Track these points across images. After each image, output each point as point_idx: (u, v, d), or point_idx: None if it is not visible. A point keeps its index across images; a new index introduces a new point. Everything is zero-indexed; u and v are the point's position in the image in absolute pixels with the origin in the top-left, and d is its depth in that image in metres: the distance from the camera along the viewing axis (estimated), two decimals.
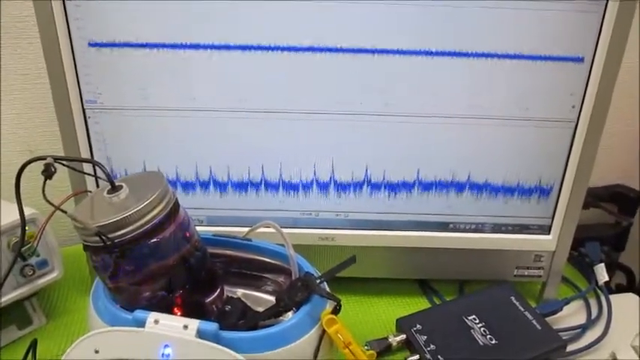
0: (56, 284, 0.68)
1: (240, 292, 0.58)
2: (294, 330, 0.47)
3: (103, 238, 0.43)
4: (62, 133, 0.60)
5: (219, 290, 0.54)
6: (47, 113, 0.75)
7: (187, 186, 0.63)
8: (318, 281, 0.49)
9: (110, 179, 0.46)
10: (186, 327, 0.43)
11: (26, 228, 0.59)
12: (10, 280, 0.59)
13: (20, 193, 0.47)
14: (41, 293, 0.68)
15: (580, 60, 0.57)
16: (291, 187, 0.63)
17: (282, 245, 0.54)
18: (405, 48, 0.56)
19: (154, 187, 0.46)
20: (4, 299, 0.58)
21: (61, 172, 0.61)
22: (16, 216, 0.58)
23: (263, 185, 0.63)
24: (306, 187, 0.63)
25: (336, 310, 0.48)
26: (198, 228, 0.52)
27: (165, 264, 0.48)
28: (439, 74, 0.58)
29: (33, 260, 0.60)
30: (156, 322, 0.44)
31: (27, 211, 0.58)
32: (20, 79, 0.74)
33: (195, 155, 0.62)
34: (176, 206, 0.48)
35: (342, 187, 0.63)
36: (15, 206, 0.60)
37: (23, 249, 0.56)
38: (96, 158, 0.61)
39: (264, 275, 0.58)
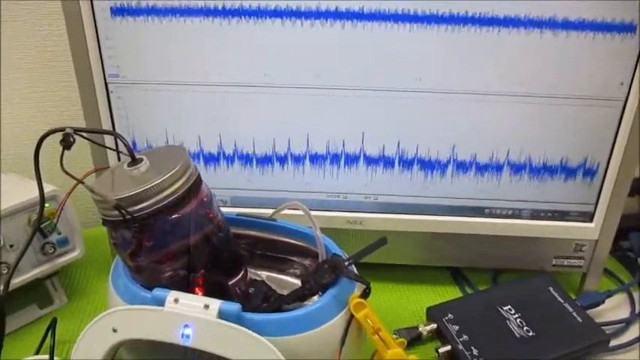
0: (78, 264, 0.67)
1: (264, 274, 0.56)
2: (320, 313, 0.44)
3: (122, 211, 0.41)
4: (84, 109, 0.59)
5: (242, 272, 0.52)
6: (70, 91, 0.74)
7: (211, 159, 0.60)
8: (346, 263, 0.46)
9: (130, 151, 0.44)
10: (207, 307, 0.41)
11: (47, 205, 0.57)
12: (31, 258, 0.57)
13: (39, 165, 0.45)
14: (63, 273, 0.66)
15: (631, 29, 0.53)
16: (318, 164, 0.60)
17: (309, 227, 0.51)
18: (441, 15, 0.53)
19: (176, 160, 0.44)
20: (24, 277, 0.57)
21: (84, 150, 0.60)
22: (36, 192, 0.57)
23: (289, 161, 0.60)
24: (335, 164, 0.60)
25: (364, 294, 0.45)
26: (222, 209, 0.50)
27: (186, 243, 0.46)
28: (476, 47, 0.54)
29: (53, 238, 0.58)
30: (176, 301, 0.42)
31: (47, 188, 0.57)
32: (42, 56, 0.73)
33: (220, 130, 0.60)
34: (198, 181, 0.46)
35: (372, 165, 0.60)
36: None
37: (43, 225, 0.55)
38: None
39: (289, 257, 0.55)
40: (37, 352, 0.56)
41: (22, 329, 0.60)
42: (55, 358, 0.53)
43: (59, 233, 0.59)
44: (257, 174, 0.61)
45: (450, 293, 0.67)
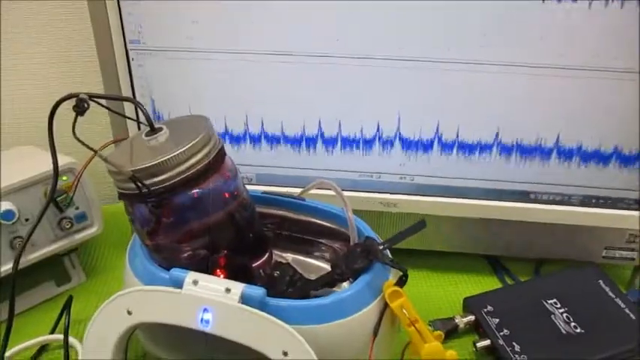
0: (97, 242, 0.65)
1: (290, 257, 0.52)
2: (351, 301, 0.40)
3: (138, 184, 0.37)
4: (104, 78, 0.55)
5: (267, 254, 0.48)
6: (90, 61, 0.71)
7: (237, 140, 0.57)
8: (381, 248, 0.42)
9: (149, 119, 0.41)
10: (228, 290, 0.38)
11: (64, 178, 0.55)
12: (47, 234, 0.55)
13: (53, 133, 0.42)
14: (81, 250, 0.64)
15: None
16: (350, 143, 0.56)
17: (340, 207, 0.47)
18: None
19: (198, 131, 0.40)
20: (40, 253, 0.55)
21: (106, 126, 0.57)
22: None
23: (320, 140, 0.56)
24: (368, 143, 0.56)
25: (401, 282, 0.41)
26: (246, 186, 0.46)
27: (207, 221, 0.43)
28: (523, 17, 0.49)
29: (71, 213, 0.56)
30: (195, 282, 0.38)
31: (64, 160, 0.54)
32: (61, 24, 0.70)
33: (246, 105, 0.56)
34: (221, 155, 0.42)
35: (409, 145, 0.56)
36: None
37: (59, 199, 0.52)
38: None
39: (318, 240, 0.51)
40: (53, 331, 0.53)
41: (39, 307, 0.58)
42: (70, 337, 0.50)
43: (77, 208, 0.56)
44: (285, 153, 0.57)
45: (487, 283, 0.62)
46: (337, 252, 0.50)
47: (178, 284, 0.39)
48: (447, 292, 0.61)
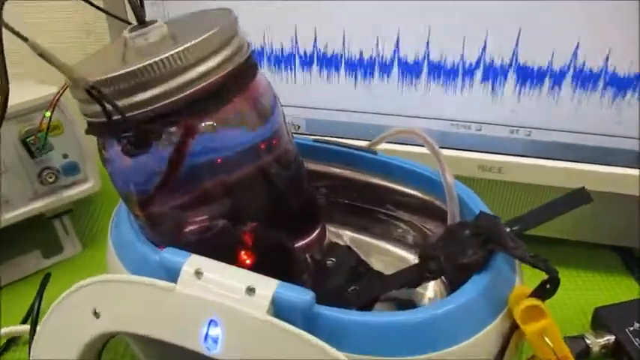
0: (97, 202, 0.51)
1: (347, 235, 0.37)
2: (458, 320, 0.24)
3: (102, 101, 0.22)
4: None
5: (318, 231, 0.32)
6: None
7: (278, 59, 0.41)
8: (508, 230, 0.25)
9: (135, 7, 0.25)
10: (251, 291, 0.22)
11: (46, 114, 0.40)
12: (24, 189, 0.41)
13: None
14: (78, 214, 0.50)
15: None
16: (439, 71, 0.39)
17: (433, 169, 0.31)
18: None
19: (210, 25, 0.24)
20: (15, 213, 0.41)
21: None
22: (35, 95, 0.40)
23: (396, 66, 0.39)
24: (468, 74, 0.38)
25: (543, 292, 0.24)
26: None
27: (226, 179, 0.27)
28: None
29: (55, 162, 0.42)
30: (198, 274, 0.23)
31: (47, 91, 0.40)
32: None
33: (294, 17, 0.39)
34: (250, 66, 0.26)
35: (527, 81, 0.38)
36: (41, 87, 0.42)
37: (29, 139, 0.38)
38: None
39: (392, 213, 0.35)
40: (26, 319, 0.40)
41: (20, 283, 0.44)
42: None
43: (64, 156, 0.42)
44: (346, 86, 0.41)
45: (621, 286, 0.45)
46: (425, 234, 0.33)
47: (172, 275, 0.23)
48: (568, 295, 0.43)
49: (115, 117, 0.22)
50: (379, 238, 0.35)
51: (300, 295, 0.22)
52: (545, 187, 0.41)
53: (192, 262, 0.23)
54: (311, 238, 0.31)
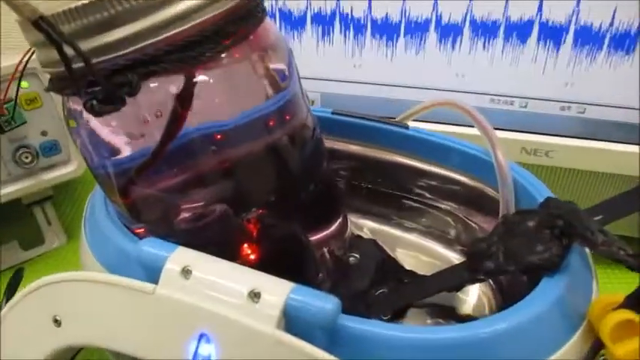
0: (82, 188, 0.45)
1: (367, 226, 0.31)
2: (527, 336, 0.18)
3: (58, 39, 0.16)
4: None
5: (339, 221, 0.26)
6: None
7: (290, 19, 0.35)
8: (595, 219, 0.20)
9: None
10: (256, 296, 0.17)
11: (24, 85, 0.35)
12: None
13: None
14: (61, 201, 0.45)
15: None
16: (481, 30, 0.33)
17: (478, 146, 0.25)
18: None
19: None
20: None
21: None
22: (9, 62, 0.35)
23: (433, 25, 0.33)
24: (510, 38, 0.33)
25: (635, 301, 0.18)
26: None
27: (227, 156, 0.22)
28: None
29: (33, 139, 0.36)
30: (185, 272, 0.17)
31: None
32: None
33: None
34: (256, 9, 0.20)
35: (585, 44, 0.32)
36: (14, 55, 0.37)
37: None
38: None
39: (426, 200, 0.29)
40: None
41: None
42: None
43: (44, 134, 0.37)
44: (370, 53, 0.35)
45: None
46: (468, 226, 0.27)
47: (153, 273, 0.18)
48: None
49: (78, 64, 0.17)
50: (408, 231, 0.30)
51: (321, 303, 0.16)
52: (602, 175, 0.35)
53: (179, 256, 0.18)
54: (330, 230, 0.25)
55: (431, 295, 0.22)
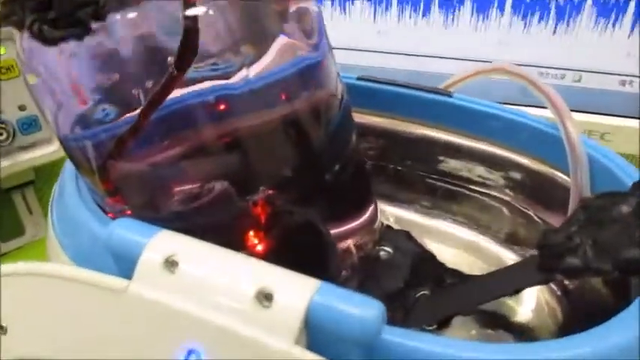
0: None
1: (390, 214, 0.26)
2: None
3: None
4: None
5: (370, 211, 0.21)
6: None
7: None
8: None
9: None
10: (267, 298, 0.12)
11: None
12: None
13: None
14: (43, 185, 0.40)
15: None
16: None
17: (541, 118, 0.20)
18: None
19: None
20: None
21: None
22: None
23: None
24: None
25: None
26: None
27: (235, 124, 0.17)
28: None
29: (7, 113, 0.32)
30: (170, 263, 0.13)
31: None
32: None
33: None
34: None
35: None
36: None
37: None
38: None
39: (469, 185, 0.24)
40: None
41: None
42: None
43: (22, 108, 0.32)
44: (396, 20, 0.30)
45: None
46: (529, 218, 0.22)
47: (126, 264, 0.13)
48: None
49: None
50: (445, 222, 0.25)
51: (360, 309, 0.11)
52: None
53: (161, 242, 0.13)
54: (360, 220, 0.20)
55: (489, 301, 0.17)
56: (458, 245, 0.23)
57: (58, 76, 0.16)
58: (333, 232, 0.19)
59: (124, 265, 0.14)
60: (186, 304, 0.12)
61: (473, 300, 0.17)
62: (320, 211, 0.19)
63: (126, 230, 0.14)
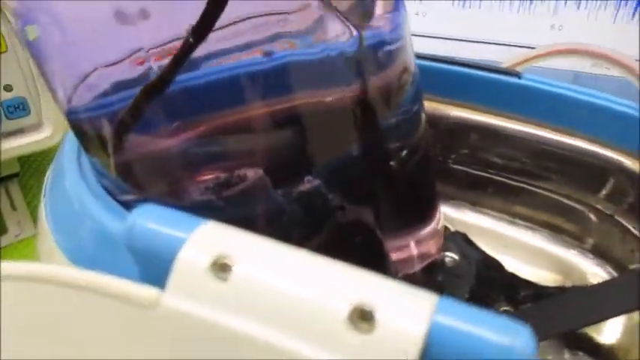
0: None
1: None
2: None
3: None
4: None
5: (435, 217, 0.18)
6: None
7: None
8: None
9: None
10: (365, 318, 0.08)
11: None
12: None
13: None
14: (29, 179, 0.36)
15: None
16: None
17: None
18: None
19: None
20: None
21: None
22: None
23: None
24: None
25: None
26: None
27: (281, 102, 0.14)
28: None
29: None
30: (221, 266, 0.09)
31: None
32: None
33: None
34: None
35: None
36: None
37: None
38: None
39: (532, 181, 0.21)
40: None
41: None
42: None
43: (8, 89, 0.28)
44: (443, 3, 0.27)
45: None
46: (620, 226, 0.19)
47: (155, 270, 0.09)
48: None
49: None
50: (505, 225, 0.21)
51: (504, 336, 0.08)
52: None
53: (207, 237, 0.09)
54: (427, 229, 0.17)
55: (599, 322, 0.14)
56: (525, 251, 0.20)
57: (68, 30, 0.12)
58: (394, 237, 0.16)
59: (150, 269, 0.10)
60: (244, 324, 0.09)
61: (580, 319, 0.14)
62: (378, 210, 0.16)
63: (154, 221, 0.10)
